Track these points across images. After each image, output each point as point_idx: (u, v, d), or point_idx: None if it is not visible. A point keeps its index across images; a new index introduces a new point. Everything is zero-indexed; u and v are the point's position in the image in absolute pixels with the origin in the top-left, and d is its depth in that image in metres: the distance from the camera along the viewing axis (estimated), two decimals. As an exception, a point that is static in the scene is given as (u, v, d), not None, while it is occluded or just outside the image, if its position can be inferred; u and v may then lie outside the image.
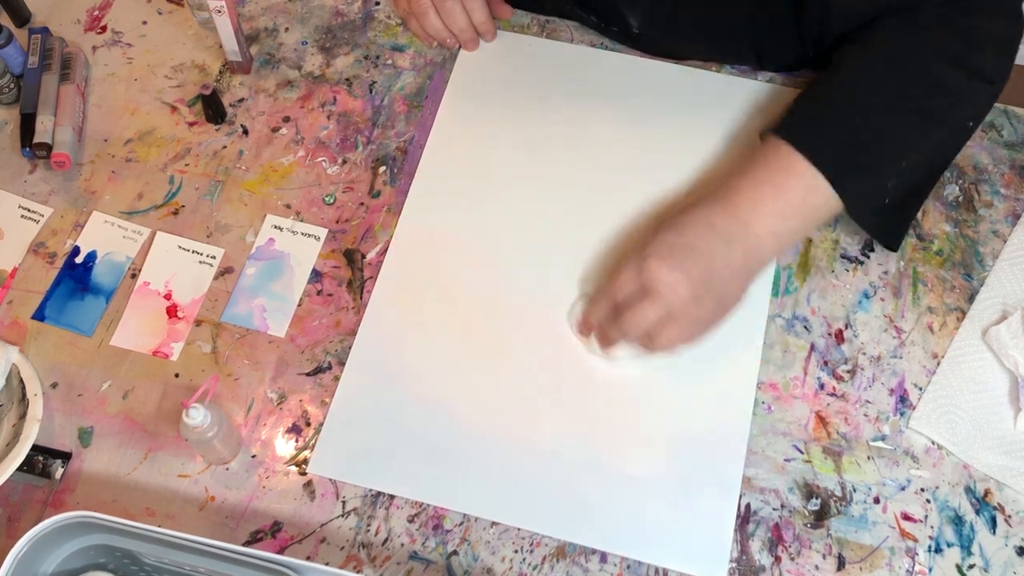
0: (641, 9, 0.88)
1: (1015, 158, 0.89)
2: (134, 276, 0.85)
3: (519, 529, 0.75)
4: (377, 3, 0.99)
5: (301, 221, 0.87)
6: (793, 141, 0.75)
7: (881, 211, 0.79)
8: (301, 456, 0.78)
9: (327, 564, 0.70)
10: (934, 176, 0.83)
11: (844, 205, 0.75)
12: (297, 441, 0.78)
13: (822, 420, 0.79)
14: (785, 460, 0.77)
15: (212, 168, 0.90)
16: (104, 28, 0.98)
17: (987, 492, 0.76)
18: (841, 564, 0.74)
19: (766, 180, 0.75)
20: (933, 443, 0.77)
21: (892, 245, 0.83)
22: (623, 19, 0.91)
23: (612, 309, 0.76)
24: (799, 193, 0.74)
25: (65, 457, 0.78)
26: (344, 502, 0.76)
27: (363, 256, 0.86)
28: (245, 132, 0.92)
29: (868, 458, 0.77)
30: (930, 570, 0.73)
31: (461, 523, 0.75)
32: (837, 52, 0.81)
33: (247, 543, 0.75)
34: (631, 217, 0.86)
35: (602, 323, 0.77)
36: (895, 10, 0.78)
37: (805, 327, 0.82)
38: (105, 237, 0.87)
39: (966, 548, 0.74)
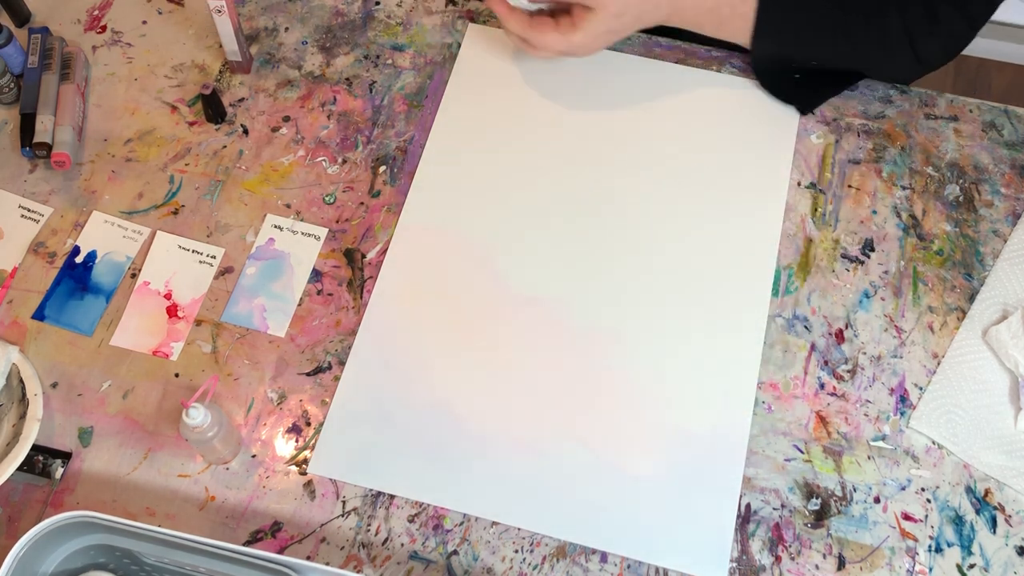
0: None
1: (1015, 158, 0.89)
2: (134, 276, 0.85)
3: (519, 529, 0.75)
4: (377, 3, 0.99)
5: (301, 221, 0.87)
6: None
7: (789, 79, 0.90)
8: (301, 456, 0.78)
9: (327, 564, 0.70)
10: (856, 76, 0.92)
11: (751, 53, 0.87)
12: (297, 441, 0.78)
13: (822, 420, 0.78)
14: (785, 460, 0.77)
15: (212, 168, 0.90)
16: (104, 28, 0.98)
17: (987, 492, 0.76)
18: (841, 564, 0.74)
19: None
20: (933, 443, 0.77)
21: (802, 109, 0.90)
22: None
23: None
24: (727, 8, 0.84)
25: (65, 457, 0.78)
26: (344, 502, 0.76)
27: (363, 256, 0.86)
28: (245, 132, 0.92)
29: (868, 458, 0.77)
30: (930, 570, 0.73)
31: (461, 523, 0.75)
32: None
33: (247, 543, 0.75)
34: (630, 215, 0.86)
35: None
36: None
37: (805, 327, 0.82)
38: (105, 237, 0.87)
39: (966, 548, 0.74)
